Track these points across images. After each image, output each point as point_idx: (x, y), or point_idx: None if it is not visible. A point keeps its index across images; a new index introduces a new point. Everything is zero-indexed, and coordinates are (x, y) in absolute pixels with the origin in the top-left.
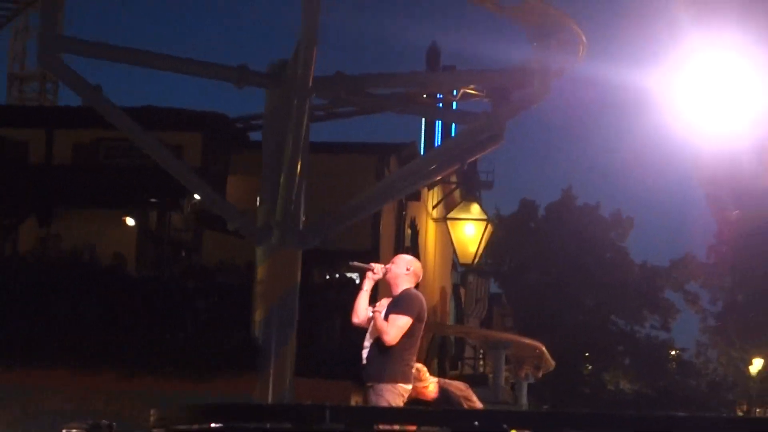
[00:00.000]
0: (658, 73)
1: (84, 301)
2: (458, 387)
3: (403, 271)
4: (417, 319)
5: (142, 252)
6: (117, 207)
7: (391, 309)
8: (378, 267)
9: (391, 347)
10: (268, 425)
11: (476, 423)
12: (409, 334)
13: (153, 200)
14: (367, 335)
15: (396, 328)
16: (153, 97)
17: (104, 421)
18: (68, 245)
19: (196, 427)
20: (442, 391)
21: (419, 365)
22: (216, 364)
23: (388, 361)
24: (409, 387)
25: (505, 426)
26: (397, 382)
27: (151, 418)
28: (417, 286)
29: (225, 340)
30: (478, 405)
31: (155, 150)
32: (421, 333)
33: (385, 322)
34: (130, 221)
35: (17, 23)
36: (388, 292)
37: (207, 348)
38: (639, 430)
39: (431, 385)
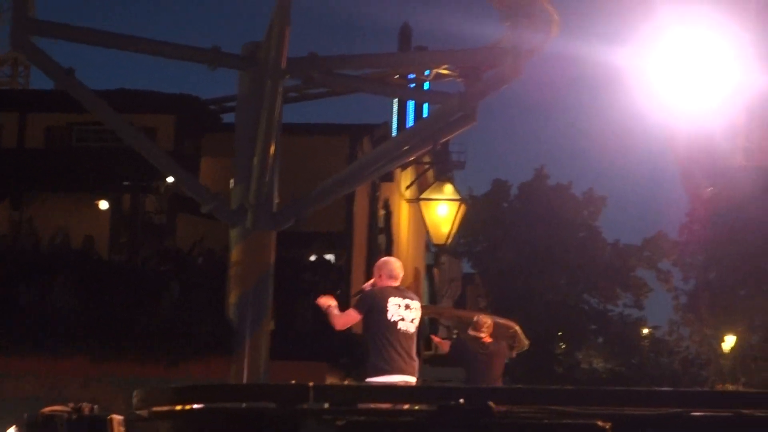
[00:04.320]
0: (632, 50)
1: (56, 285)
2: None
3: (378, 278)
4: (363, 312)
5: (116, 235)
6: (90, 190)
7: None
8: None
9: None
10: (249, 405)
11: (461, 400)
12: (364, 328)
13: (126, 183)
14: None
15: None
16: (126, 80)
17: (85, 404)
18: (42, 229)
19: (178, 408)
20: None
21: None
22: (190, 348)
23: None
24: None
25: (490, 403)
26: (367, 377)
27: (134, 400)
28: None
29: (199, 324)
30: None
31: (128, 133)
32: (379, 324)
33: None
34: (104, 204)
35: None
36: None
37: (181, 332)
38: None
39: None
